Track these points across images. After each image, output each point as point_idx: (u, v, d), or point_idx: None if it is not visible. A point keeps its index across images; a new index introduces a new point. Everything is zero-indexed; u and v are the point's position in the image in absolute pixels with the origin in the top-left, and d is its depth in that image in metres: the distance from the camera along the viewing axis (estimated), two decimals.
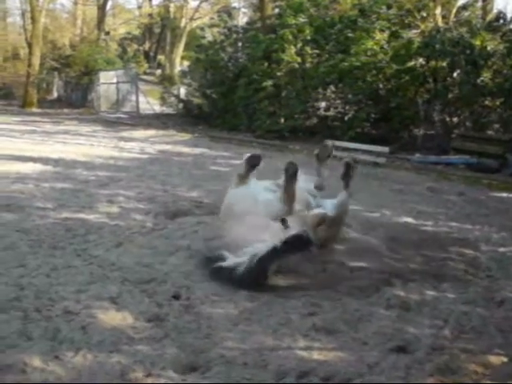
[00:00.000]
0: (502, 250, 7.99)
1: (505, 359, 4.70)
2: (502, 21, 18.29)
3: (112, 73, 36.11)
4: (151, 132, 24.21)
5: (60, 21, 54.44)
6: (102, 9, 48.75)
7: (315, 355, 4.64)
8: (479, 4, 34.11)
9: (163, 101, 30.51)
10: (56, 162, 14.25)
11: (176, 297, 5.70)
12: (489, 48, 17.81)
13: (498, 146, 15.96)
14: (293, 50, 22.39)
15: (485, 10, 29.93)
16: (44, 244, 7.28)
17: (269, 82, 22.78)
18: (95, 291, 5.72)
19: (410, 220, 9.37)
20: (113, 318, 5.13)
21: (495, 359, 4.69)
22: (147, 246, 7.35)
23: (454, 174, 14.92)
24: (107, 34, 49.98)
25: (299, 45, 22.63)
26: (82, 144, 18.66)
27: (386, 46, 20.38)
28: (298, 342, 4.85)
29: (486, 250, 7.92)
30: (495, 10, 24.90)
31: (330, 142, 8.71)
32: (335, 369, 4.43)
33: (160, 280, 6.12)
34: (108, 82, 35.73)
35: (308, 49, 22.51)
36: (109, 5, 52.09)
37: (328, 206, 7.17)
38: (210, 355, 4.55)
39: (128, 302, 5.51)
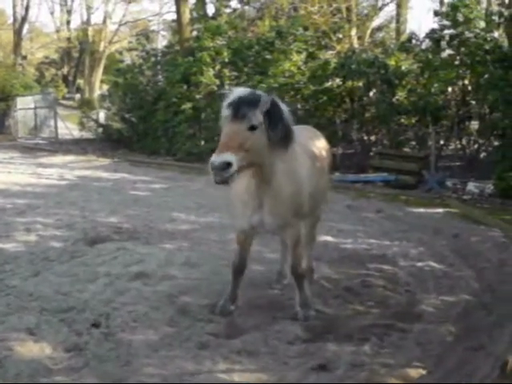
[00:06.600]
0: (419, 264, 8.15)
1: (423, 371, 4.79)
2: (414, 41, 18.73)
3: (30, 98, 35.32)
4: (70, 158, 23.79)
5: None
6: (18, 33, 47.95)
7: (236, 377, 4.63)
8: (393, 25, 35.10)
9: (82, 126, 30.07)
10: None
11: (95, 325, 5.59)
12: (403, 68, 18.25)
13: (414, 163, 16.31)
14: (211, 72, 22.45)
15: (398, 32, 30.77)
16: None
17: (188, 105, 22.74)
18: (12, 323, 5.58)
19: (329, 238, 9.44)
20: (30, 349, 5.01)
21: (414, 372, 4.79)
22: (66, 274, 7.22)
23: (373, 191, 15.15)
24: (24, 58, 49.13)
25: (217, 67, 22.74)
26: None
27: (303, 67, 20.61)
28: (219, 365, 4.83)
29: (404, 266, 8.06)
30: (408, 31, 25.51)
31: None
32: None
33: (79, 308, 6.00)
34: (26, 107, 34.99)
35: (226, 71, 22.62)
36: (25, 28, 51.34)
37: None
38: (129, 383, 4.49)
39: (46, 332, 5.39)
